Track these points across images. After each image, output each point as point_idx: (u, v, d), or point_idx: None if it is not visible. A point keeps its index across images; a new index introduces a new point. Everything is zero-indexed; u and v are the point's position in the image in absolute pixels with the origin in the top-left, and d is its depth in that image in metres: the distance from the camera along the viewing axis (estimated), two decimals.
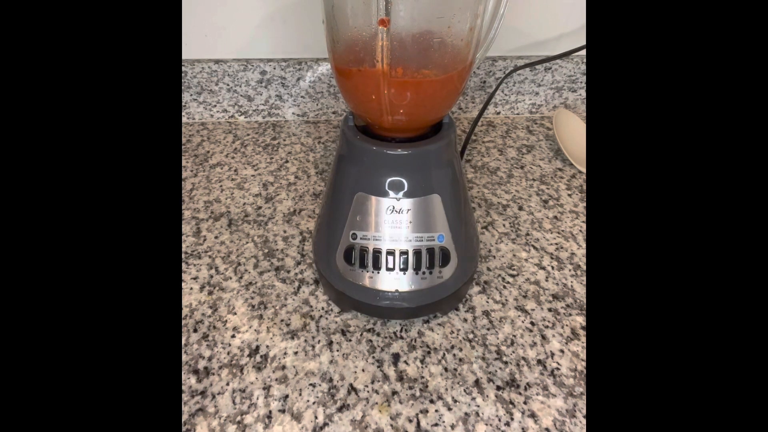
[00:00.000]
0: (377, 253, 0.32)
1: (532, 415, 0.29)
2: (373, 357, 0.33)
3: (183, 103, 0.61)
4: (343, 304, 0.36)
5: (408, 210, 0.32)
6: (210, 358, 0.32)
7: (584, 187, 0.50)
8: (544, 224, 0.45)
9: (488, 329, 0.35)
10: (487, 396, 0.30)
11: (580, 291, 0.38)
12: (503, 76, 0.50)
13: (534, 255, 0.41)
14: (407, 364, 0.32)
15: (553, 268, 0.40)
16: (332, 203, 0.35)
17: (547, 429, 0.29)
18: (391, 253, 0.32)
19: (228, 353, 0.33)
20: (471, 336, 0.34)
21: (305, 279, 0.39)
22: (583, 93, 0.63)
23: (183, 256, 0.41)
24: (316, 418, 0.29)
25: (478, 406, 0.30)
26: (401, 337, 0.34)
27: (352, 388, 0.31)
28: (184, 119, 0.63)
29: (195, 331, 0.34)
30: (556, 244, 0.43)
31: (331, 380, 0.31)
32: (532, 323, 0.35)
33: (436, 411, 0.29)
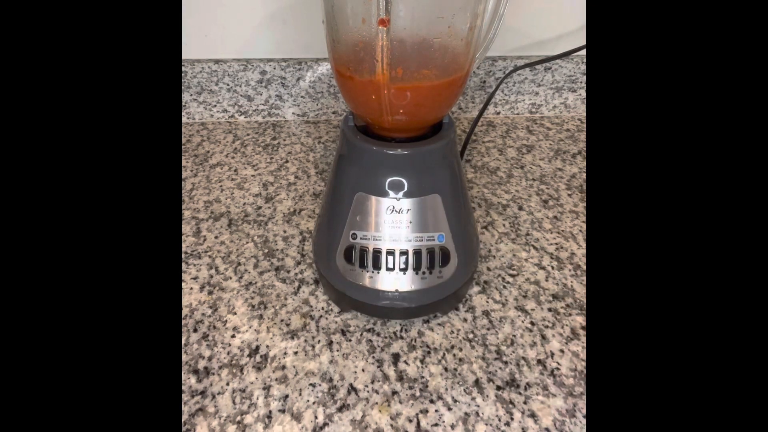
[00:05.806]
0: (377, 253, 0.32)
1: (532, 415, 0.29)
2: (373, 357, 0.33)
3: (183, 103, 0.61)
4: (343, 304, 0.36)
5: (408, 210, 0.32)
6: (210, 358, 0.32)
7: (584, 187, 0.50)
8: (544, 224, 0.45)
9: (488, 329, 0.35)
10: (487, 396, 0.30)
11: (580, 291, 0.38)
12: (503, 76, 0.50)
13: (534, 255, 0.41)
14: (407, 364, 0.32)
15: (553, 268, 0.40)
16: (332, 203, 0.35)
17: (547, 429, 0.29)
18: (391, 253, 0.32)
19: (228, 353, 0.33)
20: (471, 336, 0.34)
21: (305, 279, 0.39)
22: (583, 93, 0.63)
23: (183, 256, 0.41)
24: (316, 418, 0.29)
25: (478, 406, 0.30)
26: (401, 337, 0.34)
27: (352, 388, 0.31)
28: (184, 119, 0.63)
29: (195, 331, 0.34)
30: (556, 244, 0.43)
31: (331, 380, 0.31)
32: (532, 323, 0.35)
33: (436, 411, 0.29)
